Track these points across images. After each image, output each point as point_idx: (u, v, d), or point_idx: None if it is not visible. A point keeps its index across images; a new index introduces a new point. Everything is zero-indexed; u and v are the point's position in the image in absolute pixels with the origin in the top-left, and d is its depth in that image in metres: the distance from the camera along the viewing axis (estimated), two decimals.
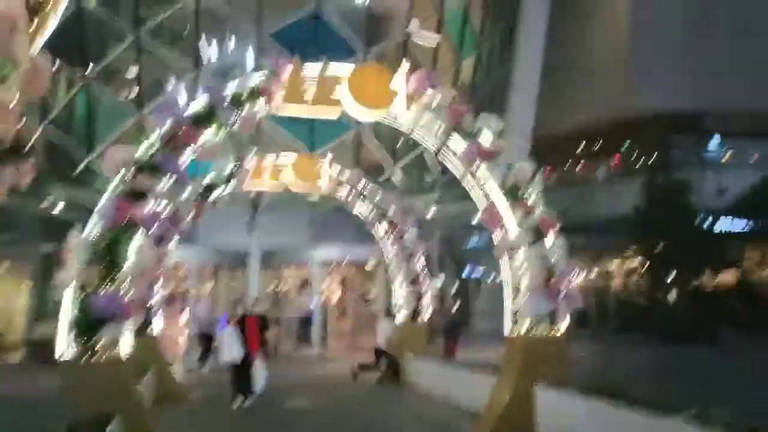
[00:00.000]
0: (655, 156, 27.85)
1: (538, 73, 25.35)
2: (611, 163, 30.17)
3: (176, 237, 10.92)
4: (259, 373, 9.67)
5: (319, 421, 8.64)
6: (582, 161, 31.86)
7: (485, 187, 7.74)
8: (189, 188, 10.88)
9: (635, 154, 29.45)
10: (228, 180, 11.07)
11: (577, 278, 7.81)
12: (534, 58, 25.33)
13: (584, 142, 31.24)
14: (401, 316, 11.96)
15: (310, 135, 18.30)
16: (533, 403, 7.00)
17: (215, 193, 11.08)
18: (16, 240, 19.77)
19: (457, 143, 7.67)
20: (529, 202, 7.48)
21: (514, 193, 7.49)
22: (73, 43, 17.19)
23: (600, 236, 25.42)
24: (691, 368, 13.27)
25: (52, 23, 2.87)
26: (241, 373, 9.51)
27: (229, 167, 11.06)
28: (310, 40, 18.48)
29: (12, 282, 23.07)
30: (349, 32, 19.02)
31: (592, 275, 26.65)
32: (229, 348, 9.50)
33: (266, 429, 8.09)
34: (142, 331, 10.44)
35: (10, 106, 2.32)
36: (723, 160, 28.19)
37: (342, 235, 19.12)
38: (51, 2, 2.79)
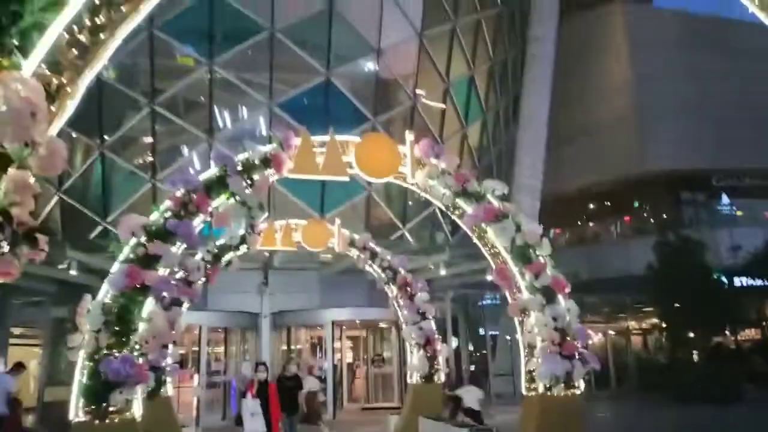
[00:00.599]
0: (665, 214, 27.91)
1: (545, 135, 25.84)
2: (622, 221, 30.22)
3: (187, 301, 10.97)
4: None
5: None
6: (592, 221, 31.94)
7: (495, 248, 7.81)
8: (200, 253, 11.06)
9: (646, 213, 29.54)
10: (240, 244, 11.19)
11: (592, 338, 7.75)
12: (540, 120, 25.90)
13: (594, 201, 31.44)
14: (415, 377, 11.76)
15: (320, 199, 18.60)
16: None
17: (227, 257, 11.17)
18: (29, 304, 19.94)
19: (466, 205, 7.79)
20: (539, 263, 7.50)
21: (523, 254, 7.53)
22: (90, 113, 17.87)
23: (614, 295, 25.20)
24: (719, 427, 12.85)
25: (71, 107, 3.05)
26: None
27: (241, 231, 11.21)
28: (320, 108, 19.08)
29: (24, 347, 23.10)
30: (358, 100, 19.62)
31: (610, 334, 26.23)
32: (251, 420, 8.90)
33: None
34: (155, 392, 10.42)
35: (29, 188, 2.44)
36: (734, 218, 28.18)
37: (354, 295, 19.15)
38: (70, 88, 2.98)
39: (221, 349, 19.22)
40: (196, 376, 16.91)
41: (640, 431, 12.57)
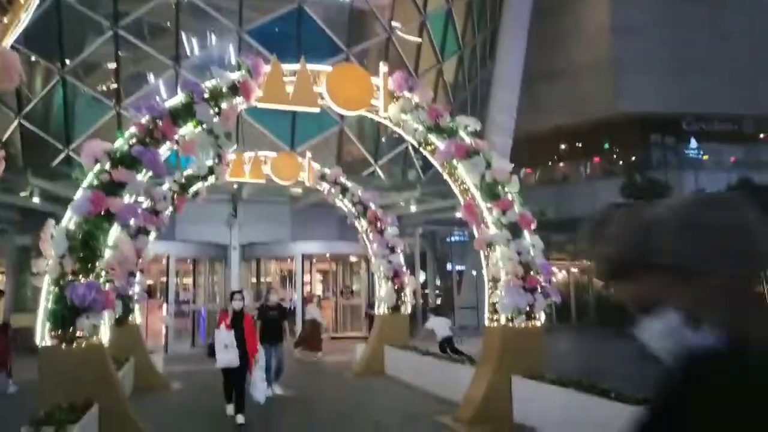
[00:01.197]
0: (634, 157, 28.32)
1: (520, 74, 25.64)
2: (592, 163, 30.60)
3: (155, 230, 10.90)
4: (259, 382, 8.10)
5: (300, 410, 8.72)
6: (563, 161, 32.25)
7: (464, 185, 7.86)
8: (167, 183, 10.91)
9: (615, 155, 29.92)
10: (208, 174, 11.05)
11: (556, 275, 7.99)
12: (516, 60, 25.60)
13: (565, 142, 31.65)
14: (382, 309, 12.04)
15: (291, 132, 18.32)
16: (509, 392, 7.16)
17: (195, 187, 11.04)
18: None
19: (438, 140, 7.77)
20: (507, 200, 7.59)
21: (491, 191, 7.60)
22: (50, 37, 17.00)
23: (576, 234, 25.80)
24: None
25: (24, 20, 2.89)
26: (236, 381, 7.80)
27: (209, 162, 11.04)
28: (292, 37, 18.49)
29: None
30: (332, 30, 19.04)
31: (573, 272, 27.07)
32: (224, 351, 7.55)
33: (248, 416, 8.01)
34: (122, 319, 10.49)
35: None
36: (701, 162, 28.77)
37: (324, 229, 19.24)
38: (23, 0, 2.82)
39: (190, 279, 19.25)
40: (164, 306, 17.01)
41: (596, 360, 13.17)
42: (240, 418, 7.67)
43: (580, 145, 31.09)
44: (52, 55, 17.55)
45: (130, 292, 10.59)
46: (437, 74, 21.97)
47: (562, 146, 32.51)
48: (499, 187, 7.57)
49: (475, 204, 7.70)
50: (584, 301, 26.68)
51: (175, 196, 10.99)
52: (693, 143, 29.13)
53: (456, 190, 8.00)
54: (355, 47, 19.35)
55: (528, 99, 26.75)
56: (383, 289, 12.13)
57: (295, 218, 19.58)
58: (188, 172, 11.00)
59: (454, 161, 7.58)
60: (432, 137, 7.72)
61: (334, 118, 18.76)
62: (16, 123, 17.69)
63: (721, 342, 1.04)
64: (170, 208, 11.01)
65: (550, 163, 32.19)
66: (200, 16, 18.13)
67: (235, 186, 17.48)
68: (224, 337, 7.59)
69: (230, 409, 7.97)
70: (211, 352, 7.81)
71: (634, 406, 5.36)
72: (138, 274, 10.87)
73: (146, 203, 10.79)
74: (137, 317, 11.14)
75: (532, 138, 29.42)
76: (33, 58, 17.61)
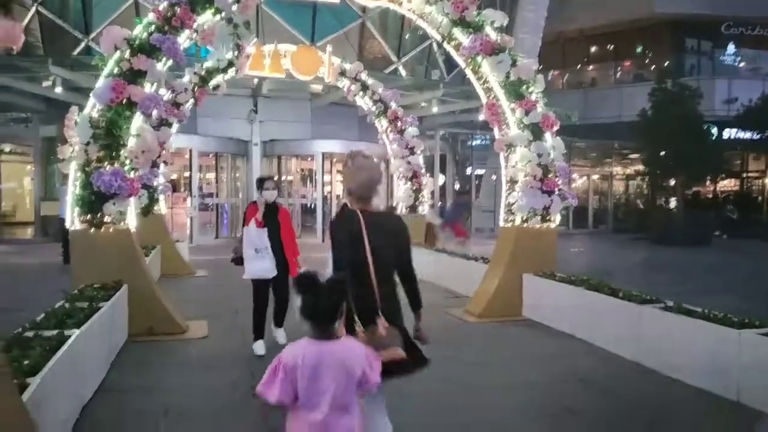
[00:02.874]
0: (667, 61, 27.11)
1: None
2: (622, 66, 29.40)
3: (176, 122, 10.94)
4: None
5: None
6: (592, 64, 31.05)
7: (488, 83, 7.68)
8: (188, 74, 10.81)
9: (647, 59, 28.65)
10: (228, 67, 10.89)
11: (571, 176, 7.97)
12: None
13: (596, 44, 30.32)
14: (400, 209, 12.20)
15: (311, 25, 17.77)
16: (520, 289, 7.39)
17: (215, 80, 10.93)
18: (17, 121, 19.83)
19: (462, 35, 7.51)
20: (531, 100, 7.43)
21: (516, 90, 7.43)
22: None
23: (603, 140, 25.39)
24: (680, 265, 13.76)
25: None
26: (277, 293, 5.91)
27: (228, 53, 10.85)
28: None
29: (17, 164, 23.42)
30: None
31: (594, 178, 26.92)
32: (255, 258, 5.65)
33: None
34: (148, 209, 10.85)
35: None
36: (736, 69, 27.47)
37: (345, 128, 19.15)
38: None
39: (212, 174, 19.56)
40: (188, 199, 17.41)
41: (606, 265, 13.39)
42: (281, 336, 5.95)
43: (611, 48, 29.75)
44: None
45: (155, 183, 10.83)
46: None
47: (593, 49, 31.19)
48: (524, 87, 7.40)
49: (498, 104, 7.57)
50: (603, 208, 26.75)
51: (196, 88, 10.91)
52: (731, 48, 27.66)
53: (479, 90, 7.83)
54: None
55: None
56: (401, 189, 12.23)
57: (316, 116, 19.45)
58: (208, 64, 10.84)
59: (479, 58, 7.36)
60: (456, 32, 7.45)
61: (355, 11, 18.12)
62: (34, 11, 17.37)
63: None
64: (191, 101, 10.96)
65: (578, 67, 31.04)
66: None
67: (256, 81, 17.30)
68: (254, 237, 5.59)
69: (259, 347, 5.69)
70: (238, 259, 5.72)
71: (641, 305, 5.53)
72: (162, 166, 11.07)
73: (168, 95, 10.78)
74: (162, 207, 11.47)
75: (562, 39, 28.19)
76: None
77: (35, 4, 17.24)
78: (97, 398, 4.39)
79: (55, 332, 3.94)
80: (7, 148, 22.68)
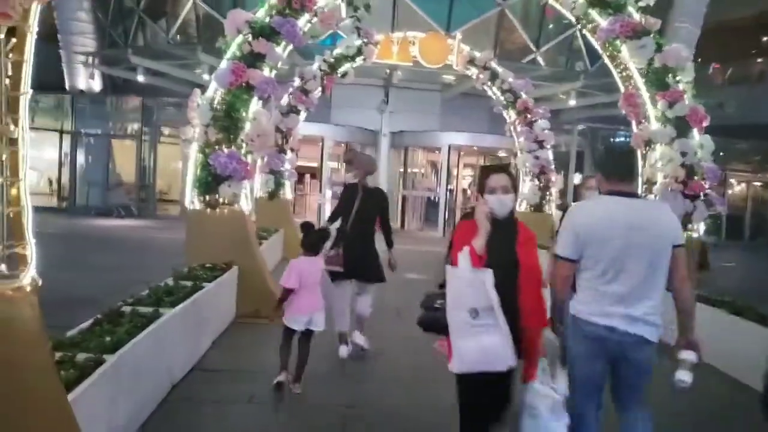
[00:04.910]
0: None
1: None
2: None
3: (304, 110, 11.17)
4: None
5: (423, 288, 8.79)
6: (761, 57, 27.61)
7: (627, 71, 6.89)
8: (317, 62, 10.95)
9: None
10: (356, 55, 10.88)
11: (721, 179, 6.95)
12: None
13: (764, 35, 26.92)
14: (524, 205, 11.54)
15: (448, 13, 17.38)
16: None
17: (343, 68, 10.98)
18: (173, 106, 21.58)
19: (600, 17, 6.79)
20: (677, 90, 6.55)
21: (659, 79, 6.59)
22: None
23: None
24: None
25: None
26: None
27: (357, 42, 10.85)
28: None
29: (173, 146, 25.56)
30: None
31: (754, 185, 23.95)
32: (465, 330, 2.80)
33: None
34: (275, 194, 11.22)
35: None
36: None
37: (474, 121, 18.63)
38: None
39: (340, 165, 19.97)
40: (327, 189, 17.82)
41: (762, 285, 11.72)
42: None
43: None
44: None
45: (281, 168, 11.16)
46: None
47: (764, 39, 27.73)
48: (669, 75, 6.53)
49: (637, 94, 6.76)
50: (762, 218, 23.67)
51: (324, 77, 11.04)
52: None
53: (616, 78, 7.05)
54: None
55: None
56: (526, 186, 11.56)
57: (445, 107, 19.11)
58: (337, 51, 10.92)
59: (618, 41, 6.61)
60: (593, 13, 6.75)
61: None
62: (191, 3, 18.70)
63: None
64: (319, 89, 11.12)
65: (744, 59, 27.70)
66: None
67: (387, 71, 17.32)
68: (467, 287, 2.68)
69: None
70: (430, 321, 2.87)
71: None
72: (288, 152, 11.38)
73: (297, 82, 11.03)
74: (288, 193, 11.79)
75: (726, 27, 25.23)
76: None
77: None
78: (190, 377, 4.45)
79: (150, 309, 4.02)
80: (166, 131, 24.84)
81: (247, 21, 6.14)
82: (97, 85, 22.20)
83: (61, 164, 20.83)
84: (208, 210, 6.19)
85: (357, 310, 5.32)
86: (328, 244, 4.86)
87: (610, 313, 2.68)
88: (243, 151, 6.19)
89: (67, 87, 21.84)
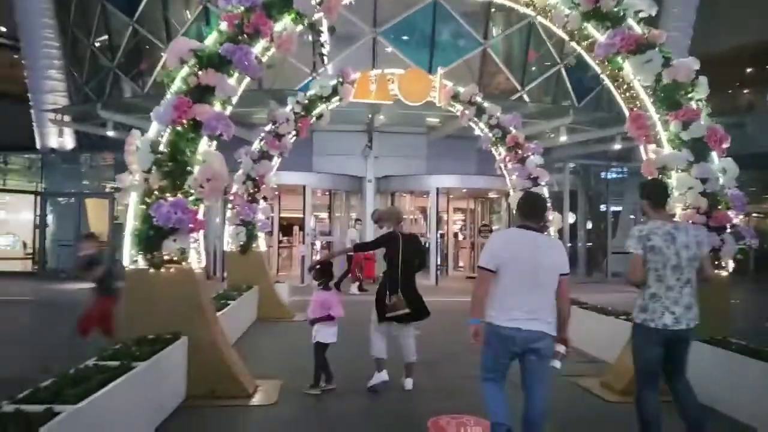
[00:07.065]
0: None
1: None
2: None
3: (277, 155, 10.33)
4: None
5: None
6: (747, 87, 27.47)
7: (632, 90, 6.08)
8: (290, 104, 10.19)
9: None
10: (332, 94, 10.14)
11: (745, 209, 6.07)
12: None
13: (752, 64, 26.83)
14: None
15: (429, 55, 16.87)
16: None
17: (318, 109, 10.21)
18: None
19: (597, 31, 6.01)
20: (691, 108, 5.73)
21: (669, 96, 5.77)
22: None
23: (764, 172, 21.89)
24: None
25: None
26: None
27: (332, 81, 10.13)
28: None
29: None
30: None
31: (753, 216, 23.24)
32: None
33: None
34: (246, 248, 10.22)
35: None
36: None
37: (462, 162, 17.94)
38: None
39: (326, 213, 19.07)
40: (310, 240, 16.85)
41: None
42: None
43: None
44: None
45: (253, 219, 10.22)
46: None
47: (748, 69, 27.64)
48: (681, 92, 5.72)
49: (646, 115, 5.92)
50: (765, 251, 22.80)
51: (298, 119, 10.24)
52: None
53: (619, 99, 6.22)
54: None
55: (708, 10, 22.59)
56: None
57: (432, 151, 18.46)
58: (311, 92, 10.17)
59: (619, 58, 5.81)
60: (589, 27, 5.97)
61: (476, 38, 17.07)
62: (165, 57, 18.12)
63: None
64: (293, 132, 10.31)
65: (730, 90, 27.53)
66: None
67: (369, 116, 16.66)
68: None
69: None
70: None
71: None
72: (261, 201, 10.47)
73: (269, 126, 10.23)
74: (261, 245, 10.81)
75: (711, 59, 24.99)
76: None
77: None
78: None
79: (41, 408, 2.98)
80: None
81: (192, 50, 5.29)
82: (69, 143, 21.44)
83: (35, 226, 19.84)
84: (151, 270, 5.20)
85: (406, 357, 5.80)
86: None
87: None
88: (191, 199, 5.24)
89: (38, 146, 21.08)
